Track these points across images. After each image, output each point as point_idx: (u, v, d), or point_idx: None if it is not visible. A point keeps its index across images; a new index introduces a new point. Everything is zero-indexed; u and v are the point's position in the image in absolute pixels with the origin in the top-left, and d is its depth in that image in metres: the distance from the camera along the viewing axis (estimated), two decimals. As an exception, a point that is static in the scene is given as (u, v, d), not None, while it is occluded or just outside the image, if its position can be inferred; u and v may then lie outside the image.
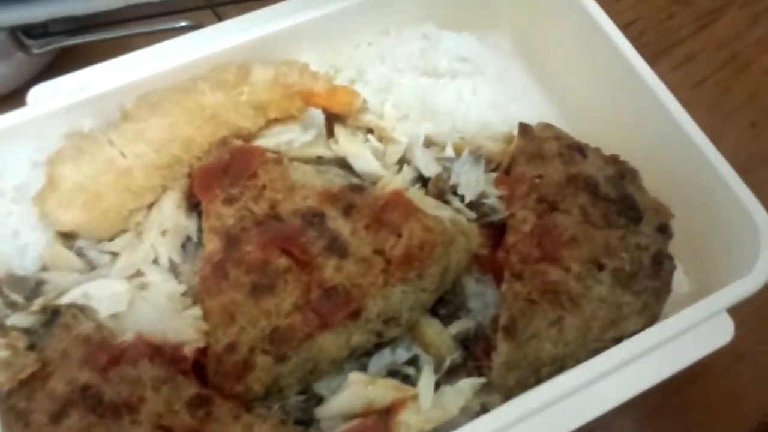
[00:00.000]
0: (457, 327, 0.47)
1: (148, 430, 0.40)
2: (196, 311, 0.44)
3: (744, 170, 0.64)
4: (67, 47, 0.60)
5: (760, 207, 0.47)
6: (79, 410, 0.40)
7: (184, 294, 0.45)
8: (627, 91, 0.53)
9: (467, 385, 0.44)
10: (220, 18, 0.62)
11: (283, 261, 0.44)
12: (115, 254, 0.48)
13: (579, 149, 0.49)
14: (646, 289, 0.45)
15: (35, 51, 0.58)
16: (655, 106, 0.51)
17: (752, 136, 0.65)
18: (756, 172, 0.63)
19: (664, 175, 0.51)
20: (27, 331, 0.44)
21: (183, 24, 0.59)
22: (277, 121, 0.52)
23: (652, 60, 0.70)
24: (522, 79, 0.62)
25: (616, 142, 0.53)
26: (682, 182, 0.51)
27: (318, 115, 0.53)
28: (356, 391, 0.43)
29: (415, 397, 0.43)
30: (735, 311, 0.46)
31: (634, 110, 0.53)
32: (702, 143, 0.49)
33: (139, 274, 0.46)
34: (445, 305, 0.48)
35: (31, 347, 0.44)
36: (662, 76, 0.70)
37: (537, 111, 0.58)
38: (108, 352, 0.42)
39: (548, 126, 0.51)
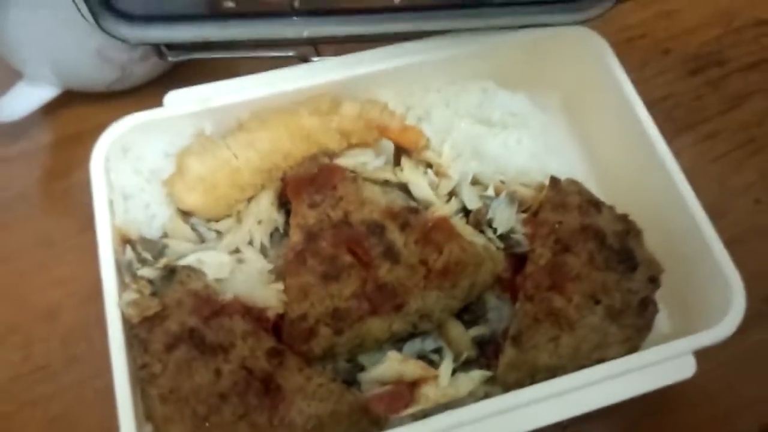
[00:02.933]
0: (476, 331, 0.57)
1: (234, 368, 0.50)
2: (279, 286, 0.54)
3: (741, 240, 0.73)
4: (193, 59, 0.74)
5: (737, 273, 0.56)
6: (186, 345, 0.50)
7: (270, 271, 0.56)
8: (645, 162, 0.63)
9: (477, 375, 0.53)
10: (319, 53, 0.74)
11: (348, 258, 0.53)
12: (219, 233, 0.59)
13: (596, 205, 0.60)
14: (631, 324, 0.55)
15: (169, 59, 0.72)
16: (666, 181, 0.60)
17: (755, 211, 0.74)
18: (752, 243, 0.73)
19: (664, 237, 0.60)
20: (151, 282, 0.53)
21: (290, 54, 0.72)
22: (356, 145, 0.64)
23: (678, 132, 0.81)
24: (563, 136, 0.72)
25: (629, 203, 0.62)
26: (679, 244, 0.60)
27: (389, 146, 0.64)
28: (392, 365, 0.53)
29: (435, 377, 0.53)
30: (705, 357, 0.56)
31: (649, 179, 0.63)
32: (699, 217, 0.58)
33: (237, 251, 0.58)
34: (469, 312, 0.57)
35: (153, 294, 0.53)
36: (685, 148, 0.81)
37: (570, 165, 0.68)
38: (211, 305, 0.52)
39: (574, 182, 0.62)
